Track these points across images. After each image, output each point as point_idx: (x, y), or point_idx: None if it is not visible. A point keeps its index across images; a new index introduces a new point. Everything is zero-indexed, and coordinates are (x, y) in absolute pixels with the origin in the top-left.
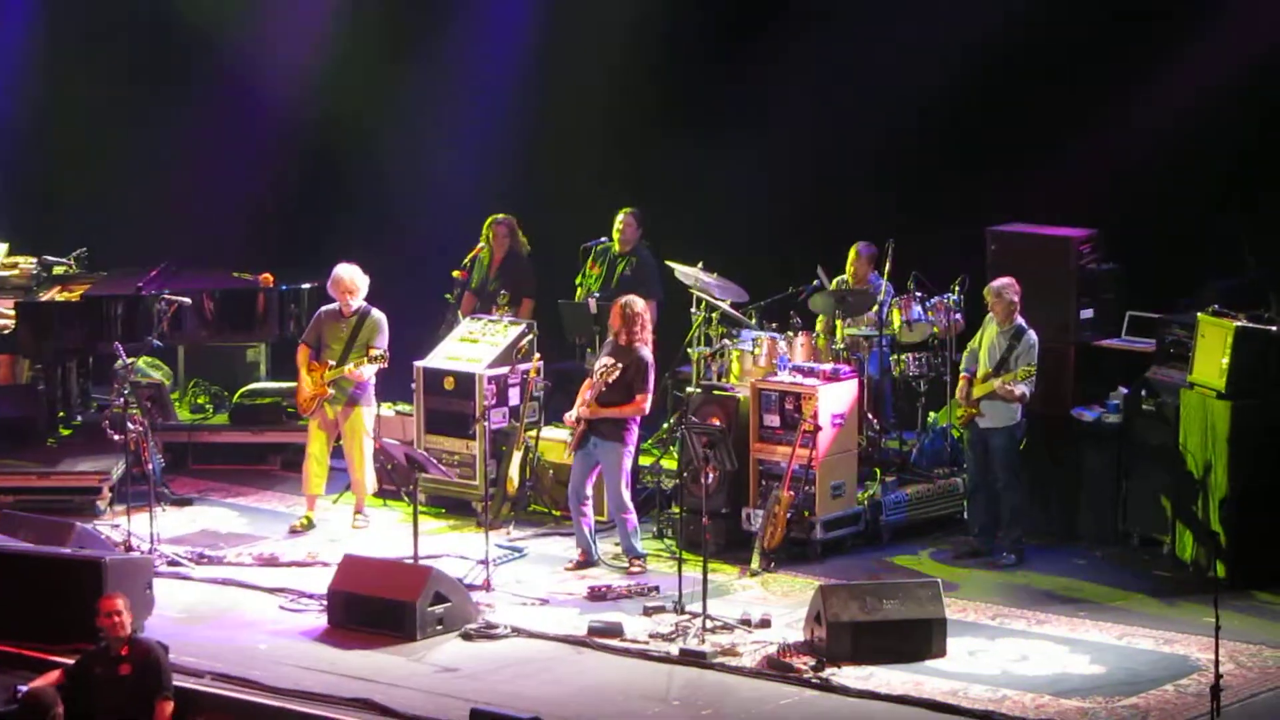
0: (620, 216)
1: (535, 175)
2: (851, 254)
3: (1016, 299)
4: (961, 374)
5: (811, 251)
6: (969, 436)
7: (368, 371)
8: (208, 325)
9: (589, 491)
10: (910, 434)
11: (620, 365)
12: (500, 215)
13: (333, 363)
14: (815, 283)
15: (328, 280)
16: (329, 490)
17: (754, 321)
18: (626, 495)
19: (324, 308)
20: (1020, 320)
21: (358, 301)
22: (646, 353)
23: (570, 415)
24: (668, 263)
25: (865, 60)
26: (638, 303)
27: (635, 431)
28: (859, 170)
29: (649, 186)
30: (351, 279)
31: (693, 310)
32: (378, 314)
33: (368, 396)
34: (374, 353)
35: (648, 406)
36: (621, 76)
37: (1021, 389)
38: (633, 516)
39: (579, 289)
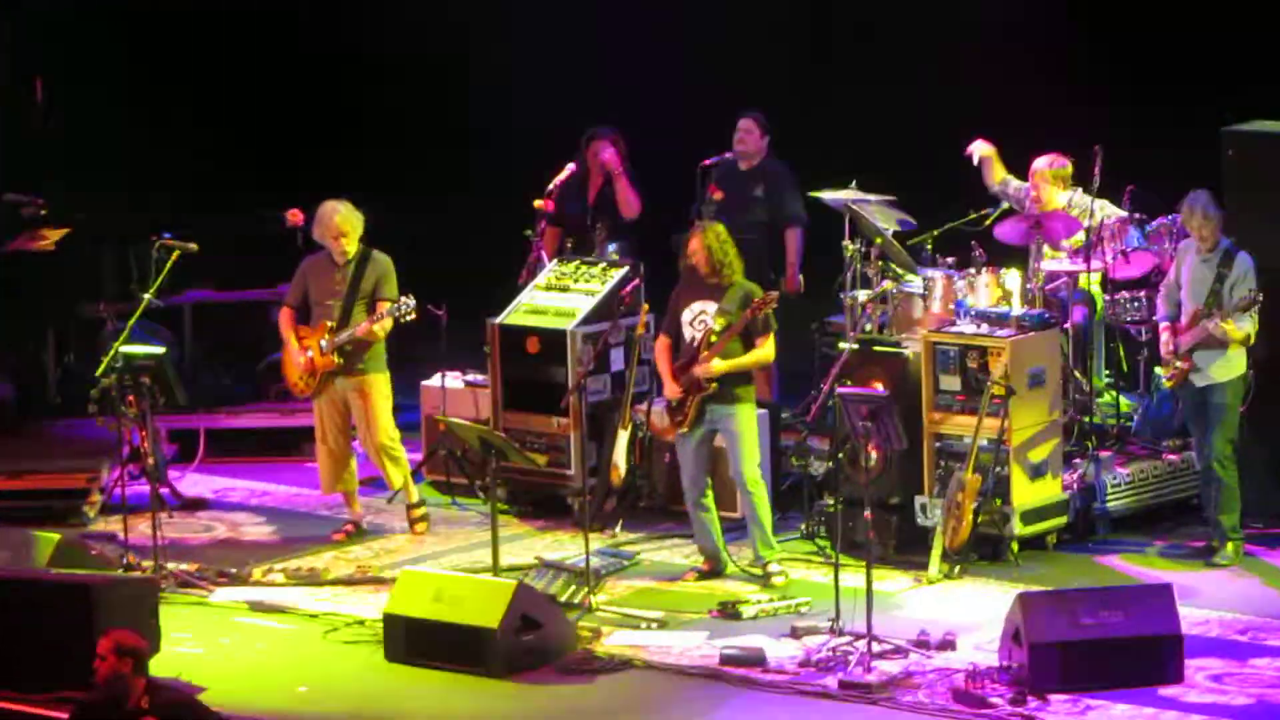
0: (740, 124)
1: (638, 79)
2: (1032, 174)
3: (1219, 214)
4: (1161, 324)
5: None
6: (1186, 400)
7: (384, 328)
8: (220, 277)
9: (709, 478)
10: (1130, 396)
11: (766, 307)
12: (601, 128)
13: (331, 324)
14: (1002, 205)
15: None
16: (376, 488)
17: (924, 255)
18: (758, 466)
19: (308, 258)
20: (1227, 241)
21: (353, 245)
22: (754, 286)
23: (670, 389)
24: (811, 194)
25: None
26: (720, 227)
27: (755, 384)
28: (1052, 55)
29: (774, 88)
30: (343, 217)
31: (845, 243)
32: (380, 254)
33: (379, 361)
34: (387, 306)
35: (773, 352)
36: None
37: (1245, 326)
38: (765, 493)
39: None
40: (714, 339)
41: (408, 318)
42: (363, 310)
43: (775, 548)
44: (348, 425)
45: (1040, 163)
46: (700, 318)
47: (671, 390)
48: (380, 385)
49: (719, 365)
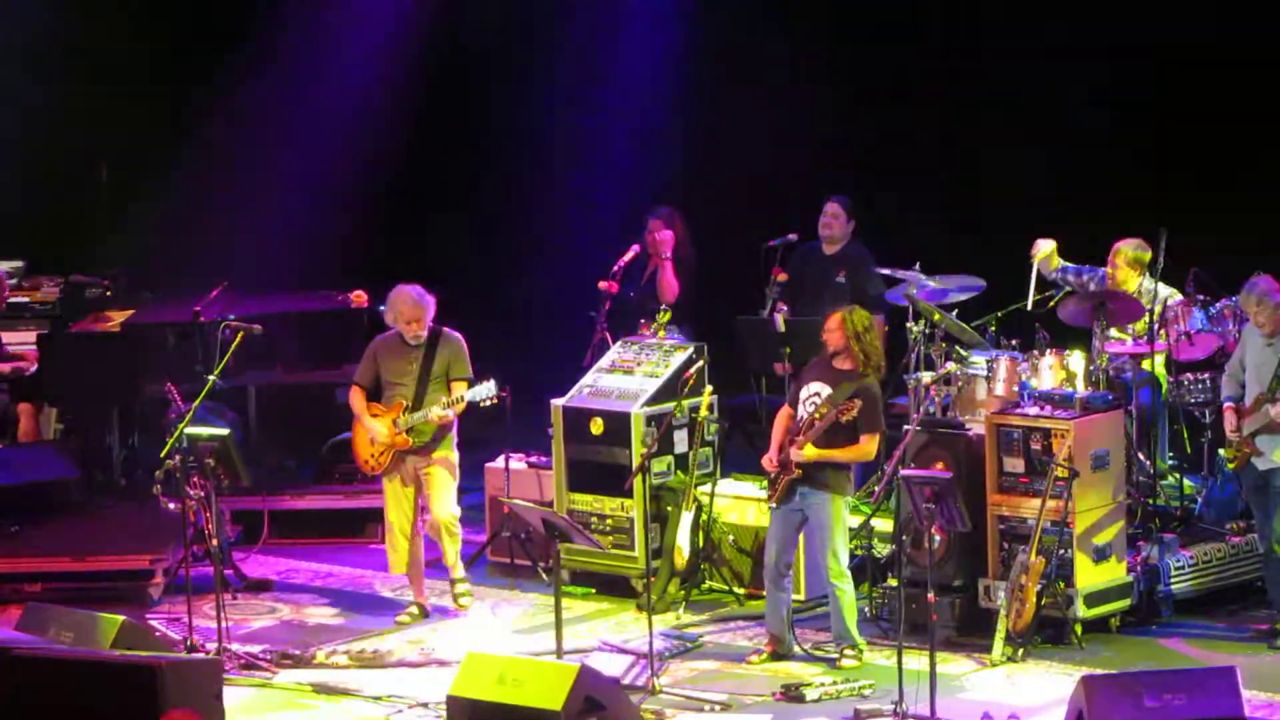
0: (826, 208)
1: (705, 160)
2: (1114, 254)
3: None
4: (1224, 404)
5: (1060, 242)
6: (1248, 482)
7: (454, 412)
8: (285, 358)
9: (792, 559)
10: (1194, 478)
11: (851, 411)
12: (662, 208)
13: (406, 404)
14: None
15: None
16: (440, 570)
17: (988, 336)
18: (844, 559)
19: (379, 338)
20: None
21: (423, 330)
22: (875, 382)
23: (768, 458)
24: (878, 270)
25: None
26: (864, 315)
27: (853, 477)
28: (1113, 139)
29: (844, 171)
30: (414, 303)
31: (909, 325)
32: (451, 333)
33: (449, 440)
34: (465, 390)
35: (875, 450)
36: (810, 32)
37: None
38: (850, 589)
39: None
40: (818, 417)
41: (487, 403)
42: (437, 389)
43: (859, 644)
44: (417, 504)
45: (1126, 243)
46: (811, 399)
47: (768, 462)
48: (449, 463)
49: (808, 453)
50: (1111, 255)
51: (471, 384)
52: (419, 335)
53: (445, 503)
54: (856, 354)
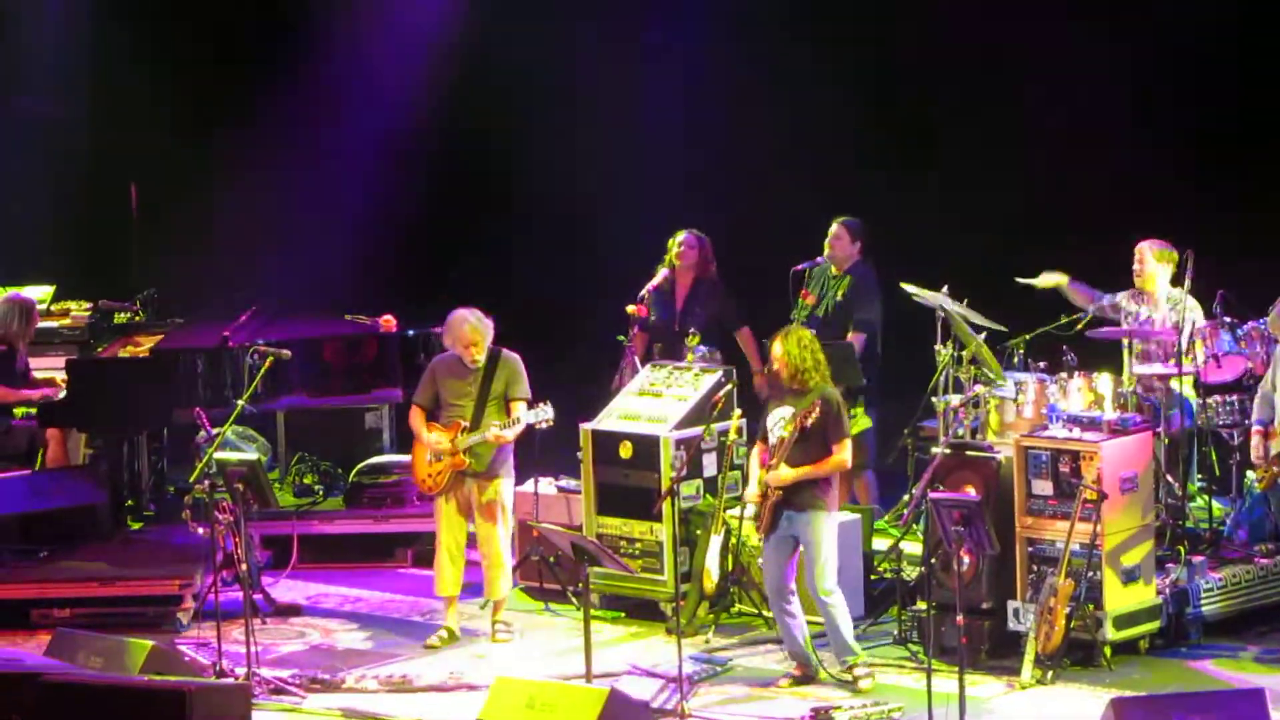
0: (831, 229)
1: (735, 186)
2: (1139, 253)
3: None
4: (1254, 427)
5: (1087, 266)
6: (1276, 504)
7: (512, 433)
8: (314, 383)
9: (793, 585)
10: (1222, 500)
11: (814, 414)
12: (685, 231)
13: (465, 423)
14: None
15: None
16: (473, 593)
17: (1018, 360)
18: (832, 575)
19: (438, 358)
20: None
21: (482, 352)
22: (832, 390)
23: (750, 492)
24: (905, 286)
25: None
26: (802, 333)
27: (835, 491)
28: (1140, 157)
29: (870, 195)
30: (473, 327)
31: (937, 347)
32: (510, 354)
33: (508, 466)
34: (522, 410)
35: (850, 457)
36: (840, 60)
37: None
38: (841, 601)
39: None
40: (786, 435)
41: (543, 425)
42: (495, 410)
43: (858, 652)
44: (468, 527)
45: (1149, 242)
46: (779, 423)
47: (749, 494)
48: (507, 491)
49: (786, 474)
50: (1137, 255)
51: (530, 405)
52: (477, 359)
53: (501, 536)
54: (806, 369)
